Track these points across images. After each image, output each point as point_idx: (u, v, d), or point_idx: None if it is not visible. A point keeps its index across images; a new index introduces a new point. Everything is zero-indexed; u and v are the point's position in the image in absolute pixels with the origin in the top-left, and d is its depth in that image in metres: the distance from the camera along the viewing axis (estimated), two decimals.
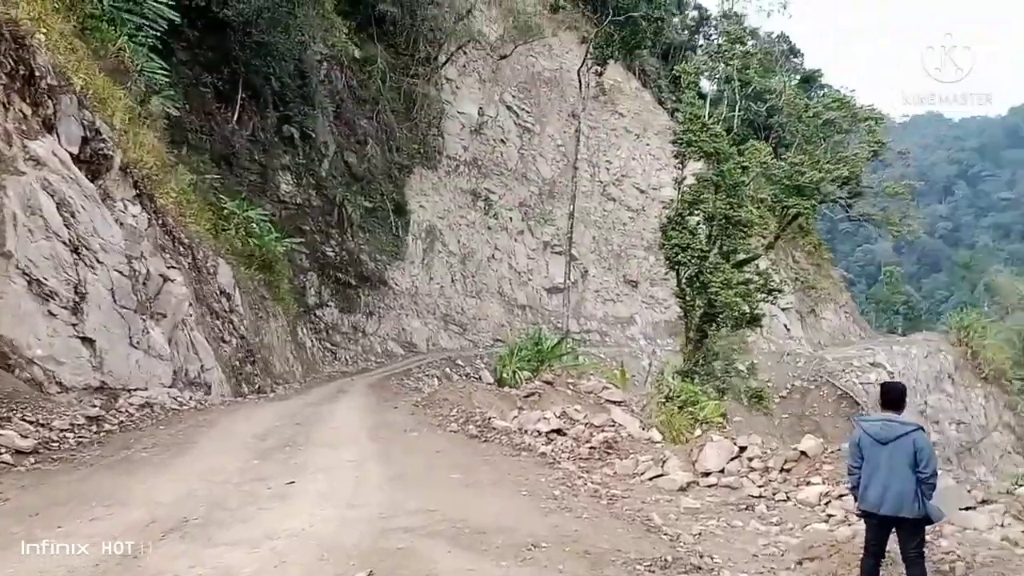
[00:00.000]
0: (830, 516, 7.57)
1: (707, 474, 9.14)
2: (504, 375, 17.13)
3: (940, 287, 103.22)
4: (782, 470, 8.92)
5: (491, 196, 35.22)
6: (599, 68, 36.57)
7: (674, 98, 45.72)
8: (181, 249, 14.49)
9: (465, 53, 34.89)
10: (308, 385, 18.83)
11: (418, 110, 31.63)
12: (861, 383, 34.68)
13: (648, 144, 46.37)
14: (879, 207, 25.41)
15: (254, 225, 19.69)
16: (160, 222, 13.61)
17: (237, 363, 16.00)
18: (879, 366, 36.62)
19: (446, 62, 33.67)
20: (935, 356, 40.68)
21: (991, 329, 43.16)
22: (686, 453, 9.80)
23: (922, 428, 5.77)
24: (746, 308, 21.93)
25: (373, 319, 27.55)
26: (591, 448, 9.72)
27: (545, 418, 10.59)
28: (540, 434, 10.12)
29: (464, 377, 23.64)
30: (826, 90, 52.54)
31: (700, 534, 6.79)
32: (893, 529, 5.68)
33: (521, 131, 38.06)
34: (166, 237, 13.81)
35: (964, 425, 39.01)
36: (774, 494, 8.44)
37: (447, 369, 24.46)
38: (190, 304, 13.78)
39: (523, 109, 38.38)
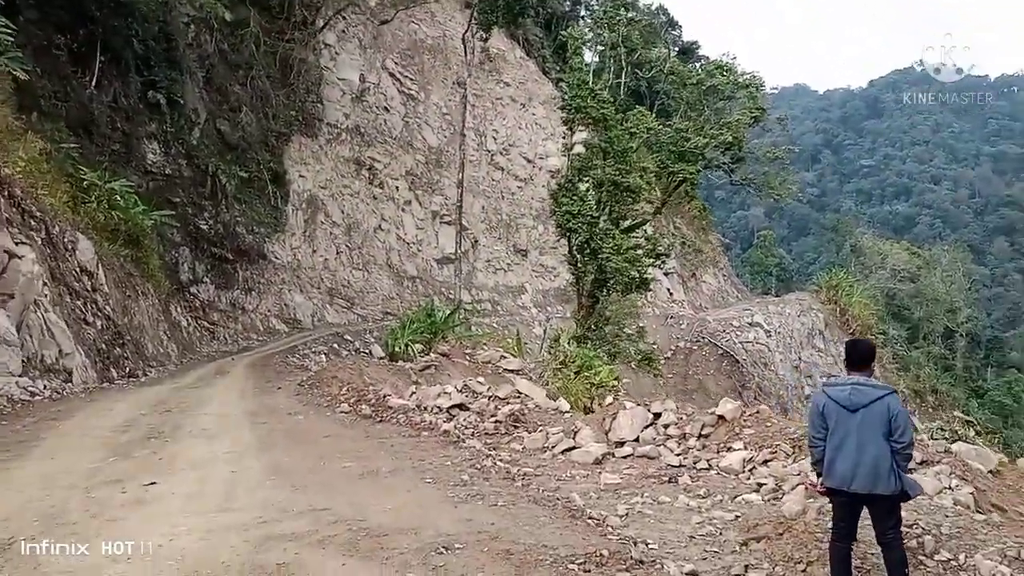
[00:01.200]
0: (760, 485, 7.05)
1: (621, 444, 8.59)
2: (396, 348, 16.44)
3: (808, 250, 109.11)
4: (700, 436, 8.47)
5: (376, 165, 33.98)
6: (484, 34, 35.76)
7: (558, 68, 45.59)
8: (32, 223, 13.10)
9: (344, 18, 33.27)
10: (184, 367, 17.59)
11: (295, 76, 29.93)
12: (740, 342, 36.08)
13: (534, 114, 46.11)
14: (760, 172, 26.15)
15: (118, 197, 17.99)
16: (6, 193, 12.21)
17: (104, 346, 14.65)
18: (757, 325, 38.11)
19: (324, 26, 31.97)
20: (807, 314, 42.66)
21: (857, 288, 45.60)
22: (598, 422, 9.23)
23: (895, 391, 5.11)
24: (635, 273, 22.07)
25: (253, 295, 26.08)
26: (496, 422, 9.08)
27: (446, 392, 9.88)
28: (441, 410, 9.43)
29: (353, 352, 22.71)
30: (703, 61, 53.81)
31: (627, 515, 6.21)
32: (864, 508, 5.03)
33: (405, 99, 36.85)
34: (13, 210, 12.41)
35: (835, 378, 41.35)
36: (695, 463, 7.95)
37: (335, 345, 23.43)
38: (44, 283, 12.44)
39: (406, 76, 37.14)
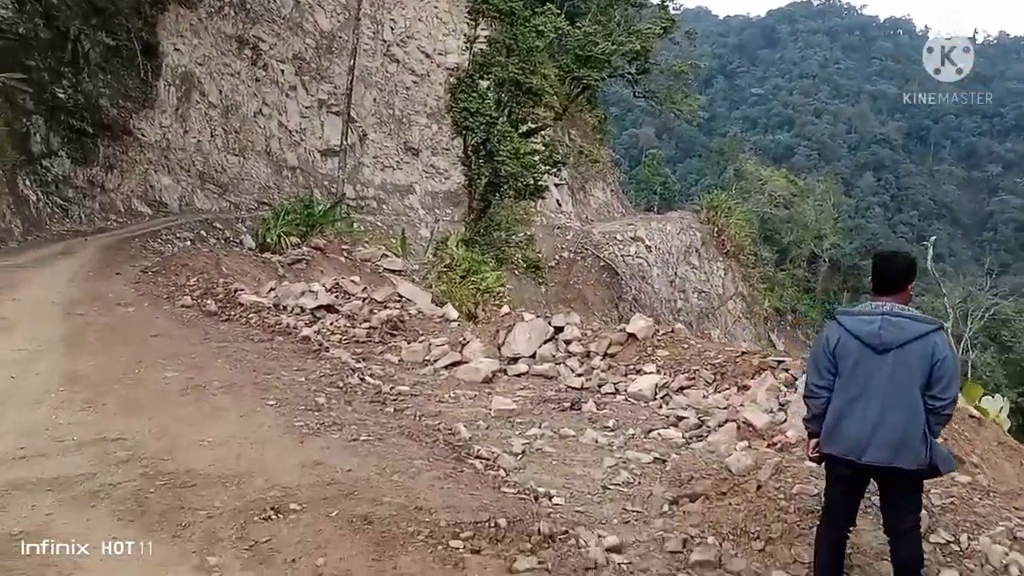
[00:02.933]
0: (680, 418, 5.90)
1: (515, 360, 7.43)
2: (268, 239, 15.14)
3: (693, 171, 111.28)
4: (606, 355, 7.31)
5: (260, 45, 31.17)
6: None
7: None
8: None
9: None
10: (27, 245, 15.85)
11: None
12: (622, 255, 36.60)
13: (436, 7, 43.49)
14: (664, 86, 25.61)
15: None
16: None
17: None
18: (639, 240, 38.59)
19: None
20: (686, 232, 43.38)
21: (736, 210, 46.74)
22: (490, 334, 7.97)
23: (943, 327, 3.63)
24: (531, 179, 21.39)
25: (115, 173, 23.88)
26: (371, 329, 7.79)
27: (312, 291, 8.50)
28: (304, 311, 8.06)
29: (223, 241, 21.01)
30: None
31: (524, 453, 5.02)
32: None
33: None
34: None
35: (705, 294, 42.64)
36: (600, 386, 6.80)
37: (202, 232, 21.62)
38: None
39: None
